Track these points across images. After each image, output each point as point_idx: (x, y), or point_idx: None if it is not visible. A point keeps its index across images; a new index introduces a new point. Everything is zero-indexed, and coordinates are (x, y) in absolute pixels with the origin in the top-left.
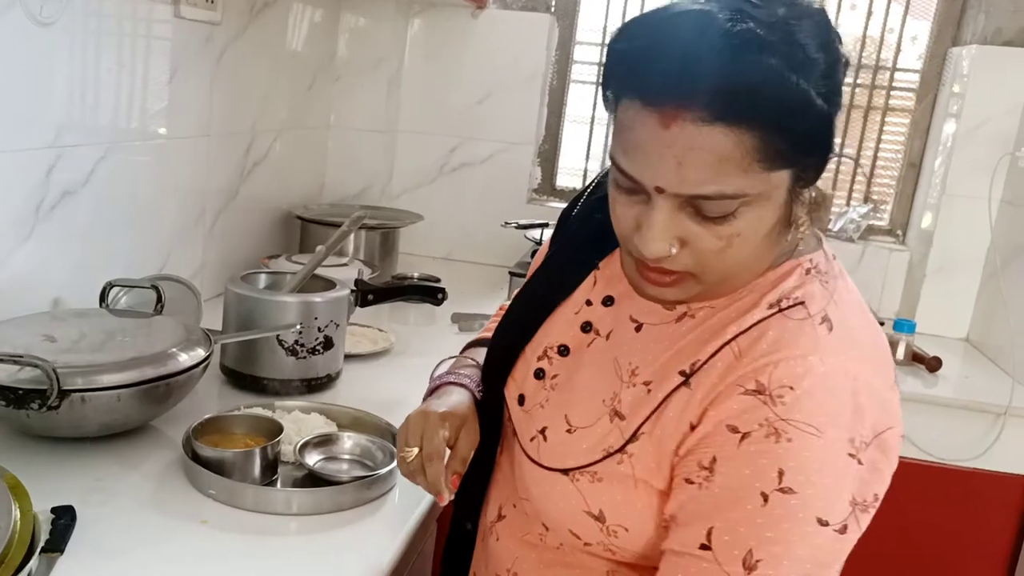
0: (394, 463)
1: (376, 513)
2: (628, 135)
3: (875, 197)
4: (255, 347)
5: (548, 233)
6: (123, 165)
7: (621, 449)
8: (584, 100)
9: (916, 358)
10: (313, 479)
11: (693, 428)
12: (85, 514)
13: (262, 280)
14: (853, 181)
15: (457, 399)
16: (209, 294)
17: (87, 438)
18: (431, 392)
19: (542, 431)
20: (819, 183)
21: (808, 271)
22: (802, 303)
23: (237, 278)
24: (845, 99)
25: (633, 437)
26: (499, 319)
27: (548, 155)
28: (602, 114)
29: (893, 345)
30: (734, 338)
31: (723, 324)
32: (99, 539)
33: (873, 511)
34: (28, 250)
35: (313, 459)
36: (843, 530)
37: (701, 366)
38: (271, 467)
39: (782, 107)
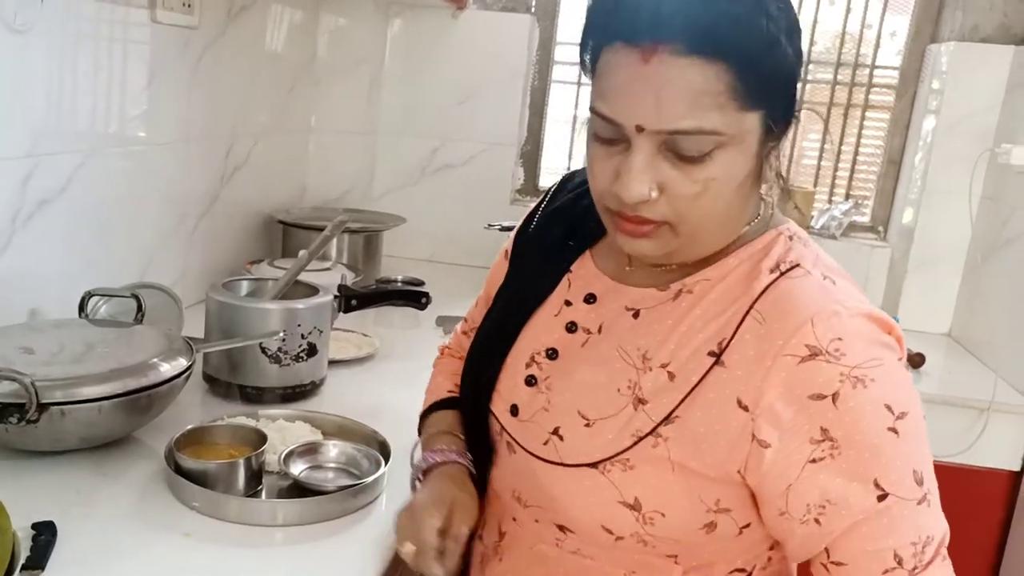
0: (380, 471)
1: (363, 522)
2: (609, 79)
3: (856, 194)
4: (238, 355)
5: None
6: (101, 172)
7: (653, 432)
8: (566, 100)
9: None
10: (299, 489)
11: (745, 408)
12: (66, 529)
13: (244, 287)
14: (834, 178)
15: (440, 483)
16: (191, 301)
17: (67, 451)
18: (422, 475)
19: (555, 431)
20: (786, 173)
21: (790, 237)
22: (798, 264)
23: (218, 285)
24: (824, 97)
25: (667, 420)
26: (442, 370)
27: (530, 155)
28: (584, 114)
29: None
30: (752, 306)
31: (729, 296)
32: (80, 554)
33: None
34: (5, 260)
35: (298, 468)
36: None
37: (729, 343)
38: (255, 478)
39: (754, 45)
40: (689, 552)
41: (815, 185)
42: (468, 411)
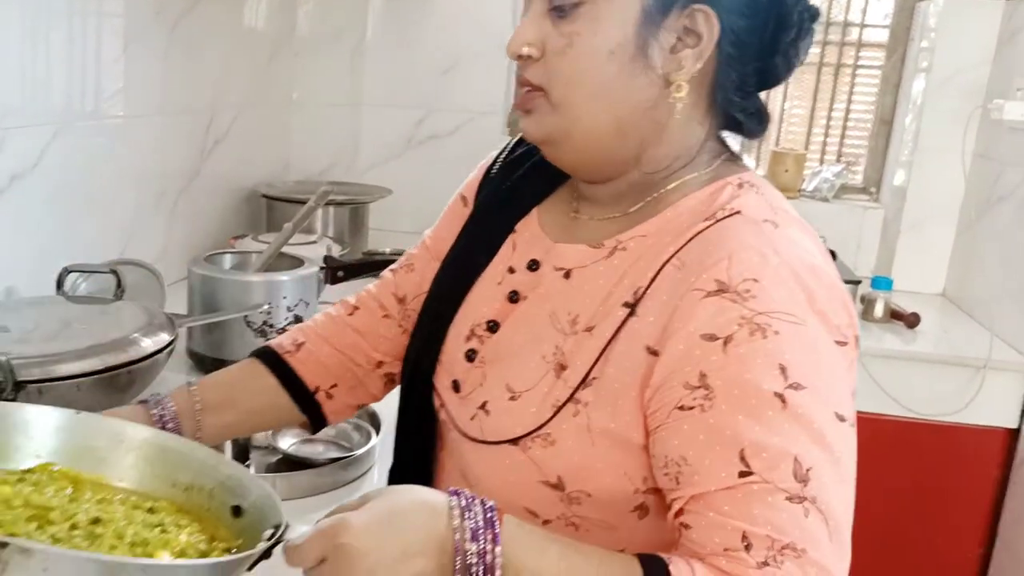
0: (371, 443)
1: (355, 494)
2: None
3: (848, 156)
4: (223, 330)
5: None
6: (75, 146)
7: (571, 398)
8: None
9: (894, 315)
10: (288, 463)
11: (655, 353)
12: None
13: (227, 260)
14: (826, 141)
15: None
16: (174, 278)
17: None
18: None
19: (483, 406)
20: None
21: (740, 185)
22: (738, 212)
23: (200, 259)
24: (814, 58)
25: (583, 383)
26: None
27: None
28: None
29: (871, 303)
30: (674, 254)
31: (660, 247)
32: None
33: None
34: None
35: (287, 442)
36: (854, 423)
37: (644, 292)
38: (243, 453)
39: None
40: (630, 539)
41: (806, 148)
42: (412, 383)
